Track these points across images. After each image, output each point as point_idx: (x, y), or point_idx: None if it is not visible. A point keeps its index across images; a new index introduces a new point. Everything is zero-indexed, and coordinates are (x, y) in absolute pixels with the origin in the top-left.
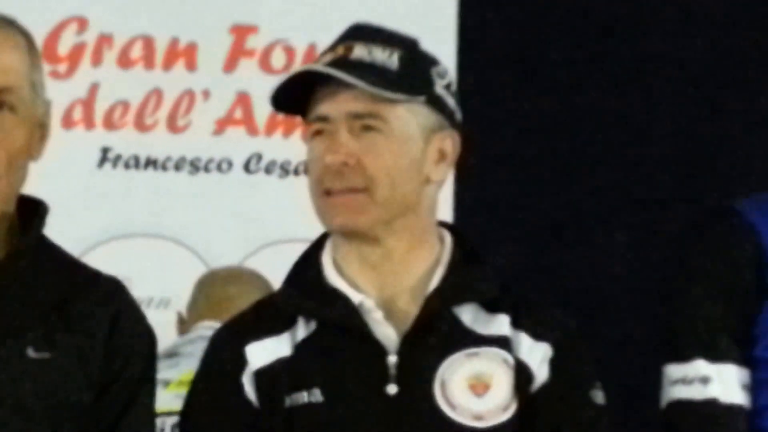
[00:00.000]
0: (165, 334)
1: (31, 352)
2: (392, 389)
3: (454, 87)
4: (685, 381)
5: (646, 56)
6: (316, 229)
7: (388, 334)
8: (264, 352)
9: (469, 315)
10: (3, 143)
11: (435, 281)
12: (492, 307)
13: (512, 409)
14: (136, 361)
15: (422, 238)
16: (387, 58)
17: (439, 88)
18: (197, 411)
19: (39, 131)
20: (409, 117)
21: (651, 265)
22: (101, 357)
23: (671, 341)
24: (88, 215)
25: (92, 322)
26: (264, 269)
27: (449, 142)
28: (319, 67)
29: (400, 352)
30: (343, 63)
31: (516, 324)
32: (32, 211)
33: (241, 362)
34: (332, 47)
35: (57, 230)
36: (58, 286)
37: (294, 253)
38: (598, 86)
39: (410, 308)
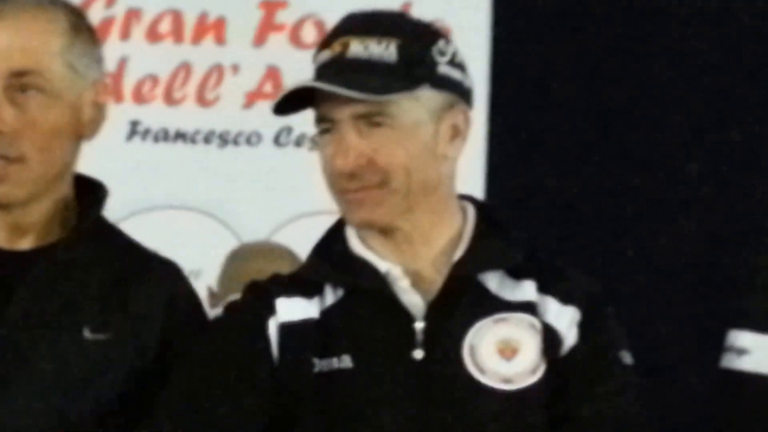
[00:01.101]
0: None
1: (87, 333)
2: (418, 354)
3: (458, 56)
4: (732, 350)
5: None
6: None
7: (414, 302)
8: (293, 308)
9: (494, 282)
10: (30, 125)
11: (459, 251)
12: (517, 273)
13: (540, 371)
14: (190, 342)
15: (444, 214)
16: (384, 50)
17: (442, 67)
18: (214, 348)
19: (87, 110)
20: (415, 105)
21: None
22: (156, 340)
23: (734, 309)
24: (118, 188)
25: (148, 305)
26: (293, 241)
27: (461, 117)
28: (318, 84)
29: (427, 319)
30: (341, 64)
31: (543, 289)
32: (91, 193)
33: (270, 310)
34: (328, 42)
35: None
36: (115, 268)
37: (323, 225)
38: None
39: (435, 277)
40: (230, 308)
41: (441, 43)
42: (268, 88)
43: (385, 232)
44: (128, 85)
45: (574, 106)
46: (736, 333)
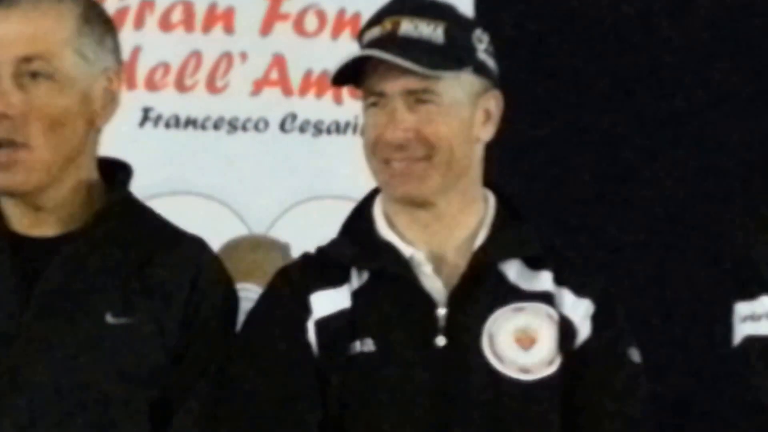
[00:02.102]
0: None
1: (109, 318)
2: (441, 341)
3: (491, 46)
4: (753, 317)
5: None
6: (348, 186)
7: (437, 287)
8: (326, 302)
9: (513, 271)
10: (37, 111)
11: (481, 238)
12: (535, 263)
13: (557, 363)
14: (215, 322)
15: (472, 198)
16: (432, 32)
17: (480, 53)
18: (256, 349)
19: (99, 98)
20: (457, 86)
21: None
22: (179, 321)
23: (739, 280)
24: None
25: (172, 285)
26: (299, 224)
27: (493, 102)
28: (378, 53)
29: (449, 305)
30: (393, 41)
31: (559, 280)
32: (116, 174)
33: (306, 309)
34: (378, 19)
35: None
36: (140, 249)
37: (327, 208)
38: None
39: (457, 263)
40: (267, 308)
41: (478, 31)
42: (274, 75)
43: (421, 207)
44: (141, 72)
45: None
46: (750, 302)
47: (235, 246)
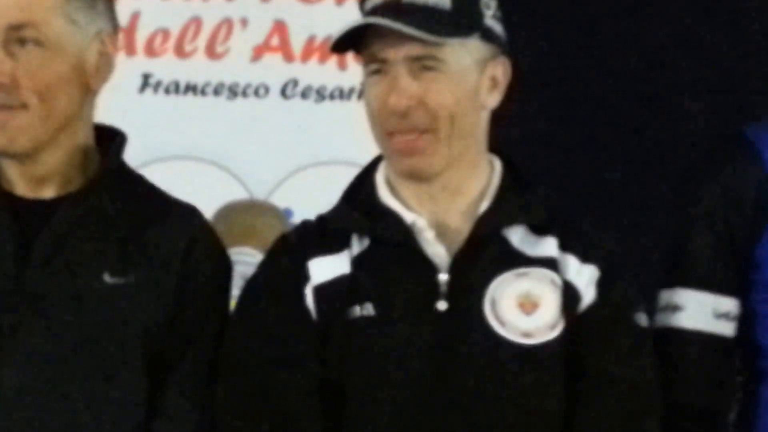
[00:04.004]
0: None
1: (107, 278)
2: (442, 306)
3: (499, 12)
4: (667, 308)
5: None
6: (349, 152)
7: (439, 253)
8: (325, 268)
9: (517, 237)
10: (29, 77)
11: (485, 204)
12: (540, 230)
13: (560, 328)
14: (209, 289)
15: (477, 165)
16: None
17: (488, 19)
18: (255, 314)
19: (93, 61)
20: (463, 53)
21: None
22: (175, 283)
23: (670, 267)
24: (131, 139)
25: (167, 249)
26: (301, 190)
27: (500, 69)
28: (382, 21)
29: (451, 271)
30: (397, 6)
31: (564, 246)
32: (111, 141)
33: (304, 275)
34: None
35: None
36: (136, 213)
37: (328, 175)
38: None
39: (461, 229)
40: (265, 275)
41: None
42: (274, 41)
43: (426, 180)
44: (140, 38)
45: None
46: (670, 291)
47: (231, 209)
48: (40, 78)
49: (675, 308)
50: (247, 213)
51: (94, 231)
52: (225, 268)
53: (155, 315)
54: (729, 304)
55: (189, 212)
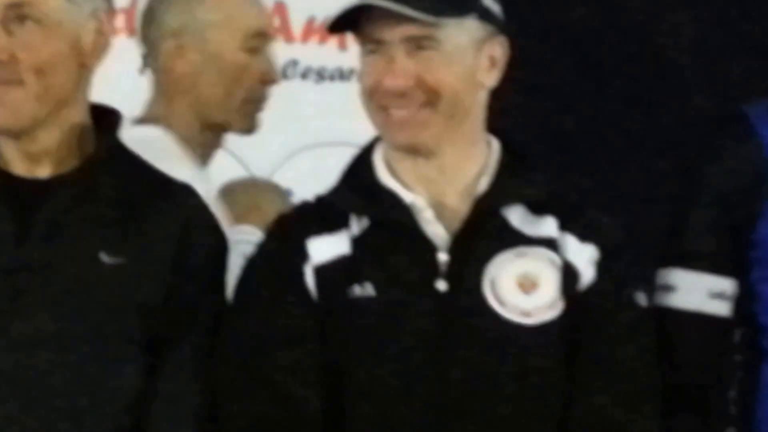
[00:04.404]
0: None
1: (104, 257)
2: (442, 285)
3: None
4: (662, 288)
5: None
6: (350, 133)
7: (438, 233)
8: (324, 248)
9: (517, 217)
10: (27, 53)
11: (483, 184)
12: (539, 209)
13: (559, 307)
14: (206, 267)
15: (474, 144)
16: None
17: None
18: (254, 294)
19: (89, 40)
20: (460, 32)
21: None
22: (172, 262)
23: (666, 246)
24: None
25: (164, 228)
26: (301, 171)
27: (498, 48)
28: (379, 1)
29: (451, 250)
30: None
31: (563, 226)
32: (106, 119)
33: (303, 255)
34: None
35: None
36: (132, 192)
37: (329, 155)
38: None
39: (460, 209)
40: (264, 255)
41: None
42: (275, 22)
43: (423, 155)
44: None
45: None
46: (665, 271)
47: (233, 187)
48: (37, 55)
49: (669, 288)
50: (249, 191)
51: (90, 210)
52: (221, 246)
53: (152, 294)
54: (724, 284)
55: (185, 191)
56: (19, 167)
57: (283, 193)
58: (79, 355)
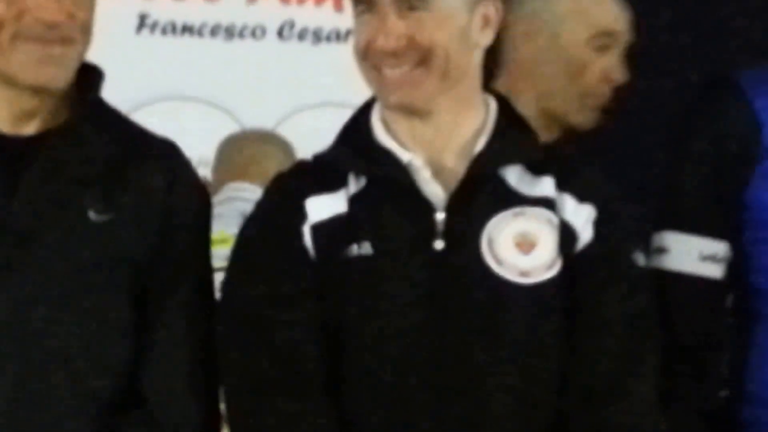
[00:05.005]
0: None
1: (92, 215)
2: (439, 245)
3: None
4: (656, 251)
5: None
6: (345, 94)
7: (435, 192)
8: (322, 207)
9: (514, 176)
10: (79, 5)
11: (481, 144)
12: (537, 169)
13: (557, 267)
14: (193, 223)
15: (470, 104)
16: None
17: None
18: (253, 254)
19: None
20: None
21: None
22: (159, 218)
23: (660, 209)
24: (128, 80)
25: (150, 184)
26: (297, 132)
27: (492, 8)
28: None
29: (448, 210)
30: None
31: (560, 186)
32: (87, 76)
33: (301, 214)
34: None
35: (101, 94)
36: (117, 149)
37: (325, 116)
38: None
39: (457, 169)
40: (262, 214)
41: None
42: None
43: (417, 115)
44: None
45: None
46: (658, 234)
47: (235, 140)
48: (84, 11)
49: (662, 251)
50: (251, 144)
51: (78, 167)
52: (205, 202)
53: (141, 250)
54: (716, 246)
55: (169, 148)
56: (5, 124)
57: (287, 146)
58: (72, 312)
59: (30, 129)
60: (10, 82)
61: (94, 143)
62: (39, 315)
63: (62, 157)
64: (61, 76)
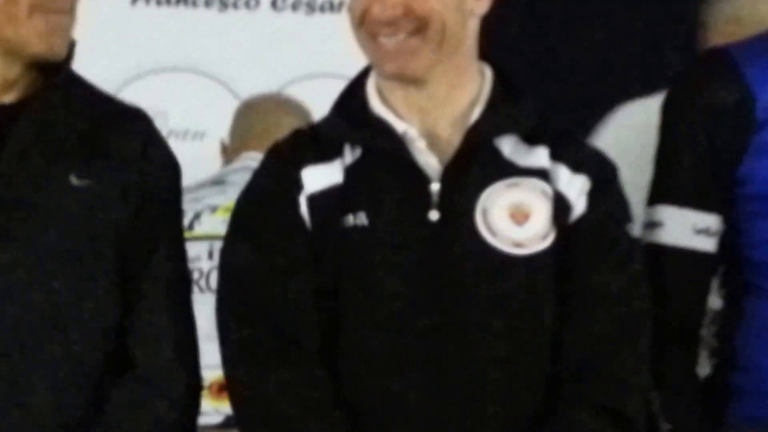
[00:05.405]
0: (201, 165)
1: (73, 180)
2: (434, 215)
3: None
4: (650, 225)
5: None
6: (340, 64)
7: (431, 163)
8: (318, 177)
9: (509, 147)
10: None
11: (476, 114)
12: (531, 139)
13: (550, 238)
14: (166, 187)
15: (466, 73)
16: None
17: None
18: (250, 224)
19: None
20: None
21: None
22: (137, 182)
23: (655, 183)
24: (123, 51)
25: (125, 149)
26: None
27: None
28: None
29: (443, 180)
30: None
31: (555, 156)
32: None
33: (297, 185)
34: None
35: (93, 66)
36: (92, 116)
37: (319, 87)
38: None
39: (452, 139)
40: (259, 185)
41: None
42: None
43: (413, 85)
44: None
45: None
46: (652, 208)
47: (253, 105)
48: None
49: (655, 224)
50: (269, 110)
51: (58, 133)
52: (177, 168)
53: (121, 214)
54: (709, 220)
55: (139, 115)
56: None
57: (305, 113)
58: (59, 278)
59: (9, 98)
60: (13, 51)
61: (72, 110)
62: (25, 282)
63: (42, 123)
64: (65, 45)
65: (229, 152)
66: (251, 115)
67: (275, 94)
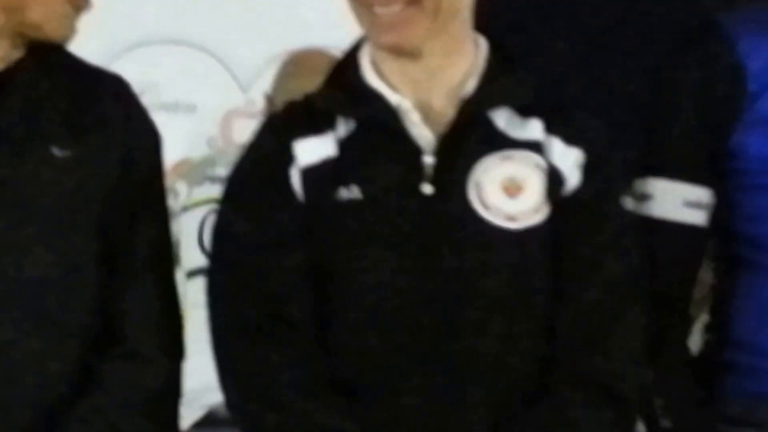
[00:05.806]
0: (193, 137)
1: (56, 151)
2: (427, 189)
3: None
4: (640, 197)
5: None
6: (335, 37)
7: (424, 136)
8: (311, 150)
9: (503, 119)
10: None
11: (470, 86)
12: (526, 112)
13: (544, 212)
14: (149, 157)
15: (461, 44)
16: None
17: None
18: (242, 196)
19: None
20: None
21: None
22: (119, 152)
23: (647, 155)
24: (115, 23)
25: (106, 118)
26: None
27: None
28: None
29: (437, 153)
30: None
31: (549, 129)
32: None
33: (289, 156)
34: None
35: (84, 38)
36: (73, 86)
37: (314, 60)
38: None
39: (446, 111)
40: (251, 157)
41: None
42: None
43: (408, 56)
44: None
45: None
46: (642, 181)
47: (297, 60)
48: None
49: (645, 197)
50: (315, 69)
51: (40, 103)
52: (158, 137)
53: (105, 184)
54: (699, 193)
55: (119, 82)
56: None
57: None
58: (45, 252)
59: None
60: (23, 33)
61: (54, 82)
62: (11, 255)
63: (26, 97)
64: (74, 28)
65: (273, 103)
66: (299, 72)
67: (324, 51)
